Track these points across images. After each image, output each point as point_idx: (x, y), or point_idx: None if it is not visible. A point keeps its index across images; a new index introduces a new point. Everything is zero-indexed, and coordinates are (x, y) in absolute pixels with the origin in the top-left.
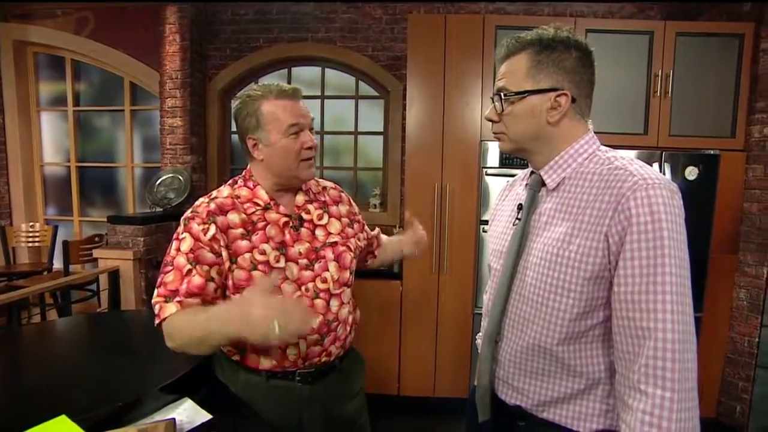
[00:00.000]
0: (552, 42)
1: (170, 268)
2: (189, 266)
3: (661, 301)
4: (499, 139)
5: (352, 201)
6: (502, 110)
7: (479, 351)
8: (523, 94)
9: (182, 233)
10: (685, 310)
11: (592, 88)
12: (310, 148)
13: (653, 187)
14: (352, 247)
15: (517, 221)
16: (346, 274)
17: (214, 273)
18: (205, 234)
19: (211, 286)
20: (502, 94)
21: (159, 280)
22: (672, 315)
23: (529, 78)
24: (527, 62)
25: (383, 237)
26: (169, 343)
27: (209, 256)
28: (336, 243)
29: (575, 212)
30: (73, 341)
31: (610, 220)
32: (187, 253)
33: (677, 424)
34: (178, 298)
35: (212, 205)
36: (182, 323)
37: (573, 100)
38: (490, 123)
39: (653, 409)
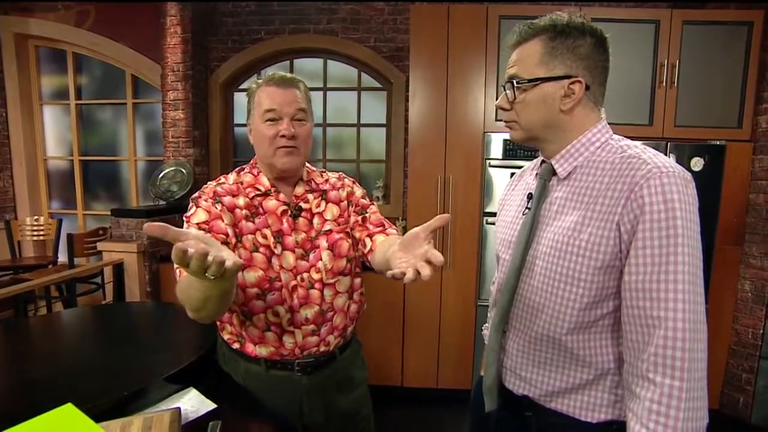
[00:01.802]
0: (566, 28)
1: None
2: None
3: (672, 290)
4: (510, 128)
5: (356, 184)
6: (514, 98)
7: (486, 341)
8: (536, 81)
9: (192, 209)
10: (696, 299)
11: (606, 76)
12: (284, 137)
13: (667, 176)
14: (350, 233)
15: (526, 210)
16: (342, 263)
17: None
18: (214, 207)
19: None
20: (514, 81)
21: None
22: (683, 304)
23: (543, 65)
24: (541, 49)
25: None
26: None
27: (222, 226)
28: (331, 231)
29: (587, 201)
30: (78, 332)
31: (623, 208)
32: (199, 224)
33: (685, 413)
34: None
35: (219, 189)
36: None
37: (587, 88)
38: (501, 111)
39: (661, 398)
